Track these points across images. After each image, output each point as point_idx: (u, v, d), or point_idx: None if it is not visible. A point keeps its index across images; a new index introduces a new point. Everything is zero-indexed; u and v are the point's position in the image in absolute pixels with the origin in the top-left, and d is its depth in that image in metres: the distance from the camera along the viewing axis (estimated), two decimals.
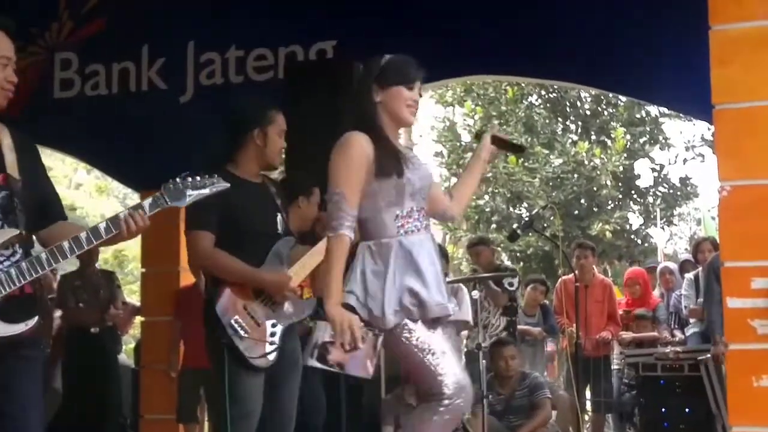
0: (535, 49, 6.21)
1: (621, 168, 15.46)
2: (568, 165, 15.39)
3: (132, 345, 10.91)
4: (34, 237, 3.07)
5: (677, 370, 7.07)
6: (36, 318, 2.92)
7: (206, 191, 3.09)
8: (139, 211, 2.97)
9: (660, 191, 16.61)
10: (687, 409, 6.99)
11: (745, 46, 4.46)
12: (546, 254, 15.13)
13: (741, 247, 4.42)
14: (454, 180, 13.83)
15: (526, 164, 15.36)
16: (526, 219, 8.49)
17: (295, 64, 6.67)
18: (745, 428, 4.34)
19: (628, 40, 5.98)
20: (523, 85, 15.29)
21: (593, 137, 16.41)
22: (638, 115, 16.23)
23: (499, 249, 14.27)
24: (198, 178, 3.07)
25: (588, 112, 16.68)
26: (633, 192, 16.41)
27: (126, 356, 9.70)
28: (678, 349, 7.39)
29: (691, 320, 8.07)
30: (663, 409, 7.10)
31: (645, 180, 16.60)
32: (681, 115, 14.26)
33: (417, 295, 3.29)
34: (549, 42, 6.14)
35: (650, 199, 16.57)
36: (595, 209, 15.78)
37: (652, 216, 16.51)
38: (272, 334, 4.04)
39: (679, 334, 8.33)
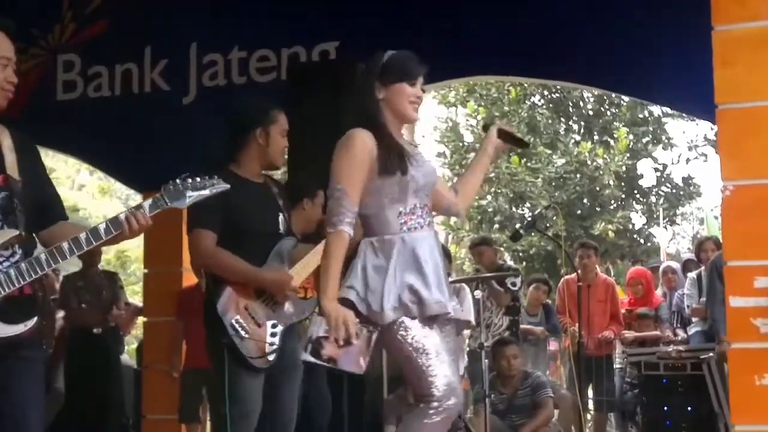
0: (537, 50, 6.21)
1: (624, 168, 15.45)
2: (571, 165, 15.39)
3: (134, 345, 10.92)
4: (36, 238, 3.07)
5: (680, 369, 7.06)
6: (35, 319, 2.92)
7: (206, 192, 3.09)
8: (140, 211, 2.96)
9: (663, 191, 16.61)
10: (689, 408, 6.98)
11: (748, 46, 4.46)
12: (549, 254, 15.13)
13: (744, 247, 4.42)
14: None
15: (528, 164, 15.36)
16: (529, 219, 8.48)
17: (297, 65, 6.67)
18: (748, 427, 4.35)
19: (631, 40, 5.98)
20: (525, 85, 15.28)
21: (596, 137, 16.41)
22: (641, 115, 16.22)
23: (501, 249, 14.26)
24: (198, 179, 3.07)
25: (591, 112, 16.68)
26: (636, 192, 16.40)
27: (128, 356, 9.72)
28: (680, 348, 7.38)
29: (694, 319, 8.06)
30: (665, 408, 7.10)
31: (648, 180, 16.60)
32: (684, 114, 14.27)
33: (417, 293, 3.28)
34: (551, 42, 6.14)
35: (653, 199, 16.56)
36: (598, 209, 15.77)
37: (654, 215, 16.50)
38: (272, 335, 4.04)
39: (681, 333, 8.33)
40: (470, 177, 3.76)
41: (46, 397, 8.00)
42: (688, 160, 17.22)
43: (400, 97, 3.40)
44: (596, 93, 15.54)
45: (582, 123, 16.75)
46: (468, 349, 7.71)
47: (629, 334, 8.31)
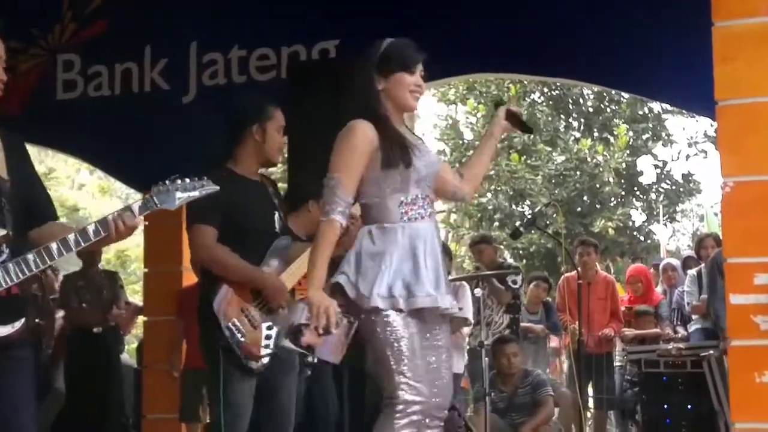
0: (537, 47, 6.21)
1: (624, 165, 15.45)
2: (571, 162, 15.39)
3: (134, 345, 10.92)
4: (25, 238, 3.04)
5: (680, 367, 7.06)
6: (23, 319, 2.91)
7: (195, 193, 3.07)
8: (127, 213, 2.95)
9: (663, 188, 16.60)
10: (689, 406, 6.99)
11: (748, 42, 4.46)
12: (549, 251, 15.12)
13: (744, 243, 4.42)
14: None
15: (528, 161, 15.36)
16: (529, 216, 8.50)
17: (297, 64, 6.67)
18: (748, 424, 4.35)
19: (631, 37, 5.98)
20: (525, 82, 15.28)
21: (596, 134, 16.41)
22: (641, 112, 16.22)
23: (501, 247, 14.26)
24: (187, 180, 3.06)
25: (590, 109, 16.67)
26: (636, 189, 16.39)
27: (128, 356, 9.72)
28: (680, 345, 7.39)
29: (694, 317, 8.07)
30: (665, 406, 7.10)
31: (648, 177, 16.59)
32: (684, 111, 14.24)
33: (408, 285, 3.25)
34: (551, 39, 6.13)
35: (653, 196, 16.56)
36: (598, 206, 15.77)
37: (654, 213, 16.50)
38: (267, 337, 4.02)
39: (681, 331, 8.33)
40: (477, 160, 3.75)
41: (47, 397, 8.04)
42: (688, 157, 17.22)
43: (399, 87, 3.39)
44: (596, 90, 15.55)
45: (582, 120, 16.75)
46: (468, 347, 7.71)
47: (629, 332, 8.31)
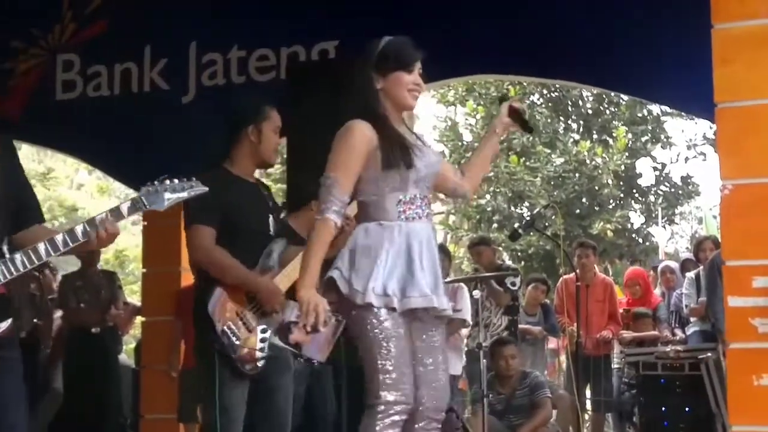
0: (536, 49, 6.21)
1: (622, 167, 15.47)
2: (570, 164, 15.40)
3: (132, 345, 10.92)
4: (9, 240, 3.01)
5: (678, 369, 7.06)
6: (9, 320, 2.91)
7: (184, 194, 3.06)
8: (108, 218, 2.92)
9: (662, 190, 16.62)
10: (687, 409, 6.98)
11: (747, 44, 4.46)
12: (547, 253, 15.13)
13: (742, 246, 4.42)
14: None
15: (527, 163, 15.37)
16: (528, 218, 8.51)
17: (297, 65, 6.67)
18: (746, 427, 4.34)
19: (630, 39, 5.98)
20: (524, 84, 15.29)
21: (595, 136, 16.43)
22: (640, 114, 16.24)
23: (500, 248, 14.27)
24: (176, 181, 3.05)
25: (590, 111, 16.69)
26: (634, 191, 16.41)
27: (126, 356, 9.71)
28: (678, 348, 7.39)
29: (692, 319, 8.07)
30: (663, 408, 7.10)
31: (646, 179, 16.63)
32: (683, 113, 14.25)
33: (403, 285, 3.24)
34: (550, 41, 6.13)
35: (652, 198, 16.58)
36: (597, 208, 15.79)
37: (653, 215, 16.52)
38: (262, 340, 4.01)
39: (679, 333, 8.33)
40: (478, 157, 3.74)
41: (45, 397, 8.02)
42: (687, 159, 17.25)
43: (398, 86, 3.38)
44: (595, 92, 15.55)
45: (581, 122, 16.77)
46: (466, 348, 7.71)
47: (627, 334, 8.31)
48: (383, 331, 3.23)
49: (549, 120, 16.09)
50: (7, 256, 2.85)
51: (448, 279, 6.98)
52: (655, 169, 16.57)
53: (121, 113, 7.13)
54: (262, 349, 4.00)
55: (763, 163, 4.42)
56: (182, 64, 7.07)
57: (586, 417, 8.31)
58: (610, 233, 15.22)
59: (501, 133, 3.72)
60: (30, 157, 21.38)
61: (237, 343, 3.93)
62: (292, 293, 3.84)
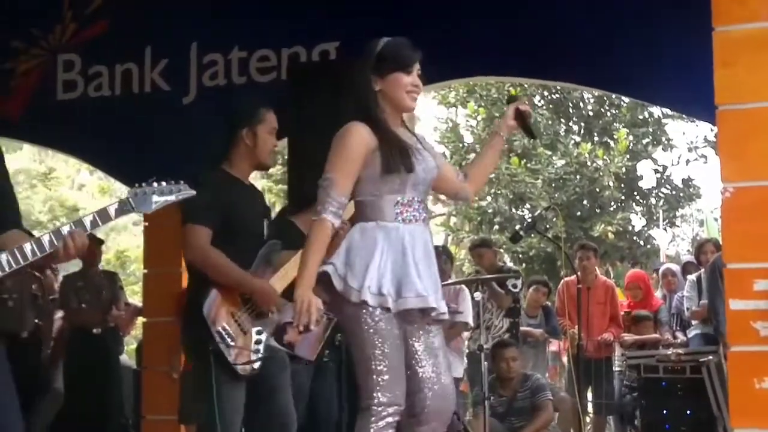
0: (537, 51, 6.21)
1: (623, 169, 15.46)
2: (571, 166, 15.40)
3: (134, 346, 10.92)
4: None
5: (679, 372, 7.06)
6: None
7: (172, 198, 3.07)
8: (75, 231, 2.90)
9: (663, 192, 16.61)
10: (688, 411, 6.98)
11: (748, 47, 4.45)
12: (548, 255, 15.13)
13: (744, 249, 4.41)
14: None
15: (528, 165, 15.37)
16: (529, 220, 8.49)
17: (298, 65, 6.67)
18: (747, 430, 4.33)
19: (631, 41, 5.98)
20: (525, 86, 15.27)
21: (596, 138, 16.43)
22: (641, 117, 16.23)
23: (501, 250, 14.27)
24: (164, 183, 3.05)
25: (591, 114, 16.69)
26: (635, 193, 16.40)
27: (127, 357, 9.71)
28: (680, 350, 7.38)
29: (693, 322, 8.06)
30: (664, 411, 7.10)
31: (648, 181, 16.62)
32: (684, 116, 14.26)
33: (398, 285, 3.23)
34: (551, 43, 6.13)
35: (653, 201, 16.57)
36: (598, 210, 15.78)
37: (654, 217, 16.51)
38: (257, 342, 4.01)
39: (681, 336, 8.33)
40: (481, 161, 3.73)
41: (46, 397, 8.01)
42: (688, 162, 17.23)
43: (396, 88, 3.37)
44: (596, 94, 15.55)
45: (582, 124, 16.77)
46: (467, 351, 7.70)
47: (629, 337, 8.31)
48: (378, 331, 3.22)
49: (550, 122, 16.09)
50: None
51: (449, 281, 6.98)
52: (656, 171, 16.57)
53: (122, 113, 7.13)
54: (256, 351, 4.00)
55: (765, 166, 4.41)
56: (183, 65, 7.07)
57: (588, 420, 8.30)
58: (611, 235, 15.21)
59: (505, 135, 3.70)
60: (31, 157, 21.42)
61: (231, 344, 3.92)
62: (289, 295, 3.84)
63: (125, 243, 20.57)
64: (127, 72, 7.20)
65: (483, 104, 16.04)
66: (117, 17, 7.21)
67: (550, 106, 16.50)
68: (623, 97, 14.37)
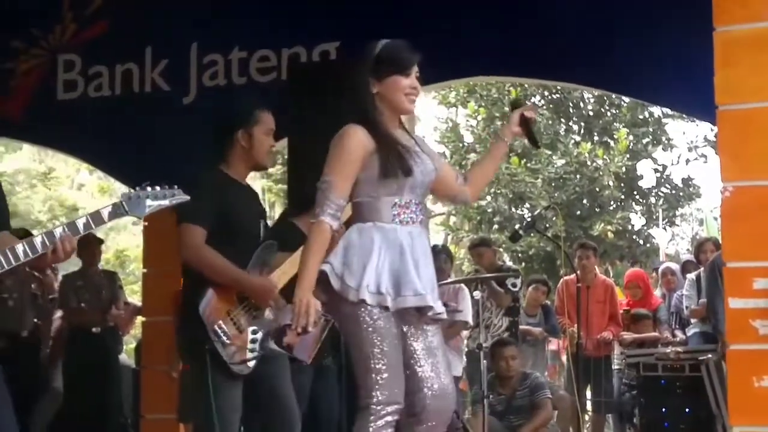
0: (537, 50, 6.21)
1: (623, 169, 15.48)
2: (571, 166, 15.41)
3: (133, 345, 10.92)
4: None
5: (678, 371, 7.06)
6: None
7: (165, 202, 3.09)
8: (66, 235, 2.90)
9: (662, 192, 16.63)
10: (687, 410, 6.98)
11: (749, 47, 4.46)
12: (548, 255, 15.14)
13: (743, 248, 4.42)
14: None
15: (528, 165, 15.38)
16: (529, 219, 8.49)
17: (298, 66, 6.67)
18: (746, 428, 4.34)
19: (631, 41, 5.98)
20: (526, 86, 15.30)
21: (596, 138, 16.44)
22: (641, 116, 16.25)
23: (501, 249, 14.28)
24: (158, 188, 3.07)
25: (591, 113, 16.70)
26: (635, 192, 16.42)
27: (127, 356, 9.72)
28: (679, 349, 7.38)
29: (693, 320, 8.07)
30: (663, 410, 7.10)
31: (647, 181, 16.64)
32: (684, 115, 14.27)
33: (396, 284, 3.23)
34: (551, 43, 6.14)
35: (652, 200, 16.59)
36: (597, 210, 15.79)
37: (654, 216, 16.53)
38: (253, 341, 4.00)
39: (680, 335, 8.33)
40: (483, 166, 3.72)
41: (45, 397, 8.01)
42: (687, 161, 17.25)
43: (394, 91, 3.36)
44: (596, 94, 15.56)
45: (582, 124, 16.78)
46: (466, 349, 7.71)
47: (628, 336, 8.31)
48: (376, 329, 3.22)
49: (550, 122, 16.10)
50: None
51: (449, 280, 6.99)
52: (656, 170, 16.59)
53: (123, 114, 7.13)
54: (252, 350, 3.99)
55: (764, 166, 4.42)
56: (183, 65, 7.07)
57: (587, 418, 8.31)
58: (610, 235, 15.23)
59: (509, 141, 3.68)
60: (31, 157, 21.41)
61: (228, 342, 3.92)
62: (287, 295, 3.85)
63: (125, 242, 20.57)
64: (128, 72, 7.21)
65: (483, 104, 16.05)
66: (117, 17, 7.21)
67: (550, 105, 16.51)
68: (623, 97, 14.38)
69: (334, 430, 5.37)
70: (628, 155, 15.52)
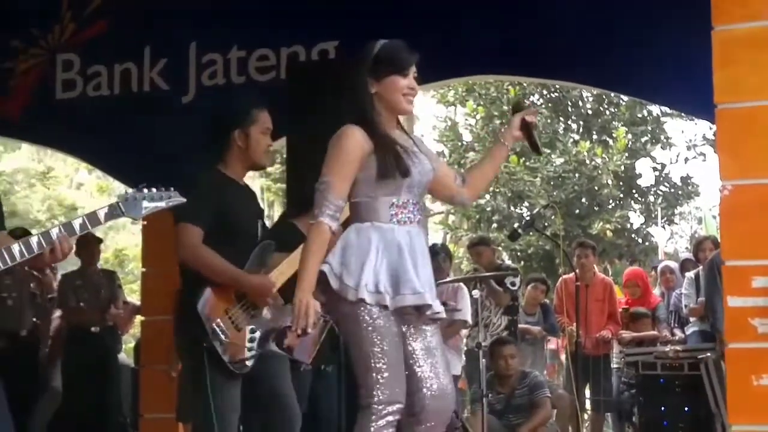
0: (536, 49, 6.21)
1: (622, 167, 15.49)
2: (570, 164, 15.42)
3: (132, 344, 10.92)
4: None
5: (677, 369, 7.07)
6: None
7: (162, 204, 3.09)
8: (62, 236, 2.91)
9: (661, 190, 16.64)
10: (686, 408, 6.99)
11: (748, 46, 4.46)
12: (547, 253, 15.15)
13: (742, 246, 4.42)
14: None
15: (527, 163, 15.39)
16: (527, 218, 8.51)
17: (297, 65, 6.67)
18: (745, 427, 4.35)
19: (630, 40, 5.98)
20: (524, 84, 15.30)
21: (595, 136, 16.45)
22: (640, 115, 16.26)
23: (499, 248, 14.29)
24: (155, 190, 3.07)
25: (590, 112, 16.71)
26: (634, 191, 16.43)
27: (126, 355, 9.71)
28: (678, 347, 7.39)
29: (691, 319, 8.07)
30: (662, 408, 7.10)
31: (646, 179, 16.66)
32: (683, 114, 14.27)
33: (395, 283, 3.23)
34: (550, 42, 6.14)
35: (651, 198, 16.60)
36: (596, 208, 15.80)
37: (653, 215, 16.53)
38: (251, 340, 4.00)
39: (679, 333, 8.34)
40: (483, 168, 3.69)
41: (44, 396, 8.01)
42: (686, 160, 17.28)
43: (392, 91, 3.36)
44: (595, 92, 15.56)
45: (581, 122, 16.79)
46: (465, 348, 7.71)
47: (627, 334, 8.31)
48: (376, 328, 3.22)
49: (549, 120, 16.11)
50: None
51: (448, 279, 6.99)
52: (654, 169, 16.60)
53: (121, 113, 7.13)
54: (250, 349, 3.99)
55: (763, 164, 4.42)
56: (182, 64, 7.07)
57: (586, 417, 8.32)
58: (609, 233, 15.24)
59: (510, 145, 3.65)
60: (30, 156, 21.40)
61: (226, 340, 3.92)
62: (287, 296, 3.85)
63: (124, 242, 20.57)
64: (126, 72, 7.20)
65: (482, 103, 16.05)
66: (116, 17, 7.21)
67: (549, 104, 16.51)
68: (622, 96, 14.37)
69: (334, 430, 5.37)
70: (626, 154, 15.53)
